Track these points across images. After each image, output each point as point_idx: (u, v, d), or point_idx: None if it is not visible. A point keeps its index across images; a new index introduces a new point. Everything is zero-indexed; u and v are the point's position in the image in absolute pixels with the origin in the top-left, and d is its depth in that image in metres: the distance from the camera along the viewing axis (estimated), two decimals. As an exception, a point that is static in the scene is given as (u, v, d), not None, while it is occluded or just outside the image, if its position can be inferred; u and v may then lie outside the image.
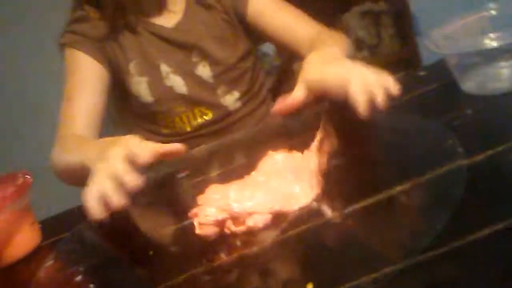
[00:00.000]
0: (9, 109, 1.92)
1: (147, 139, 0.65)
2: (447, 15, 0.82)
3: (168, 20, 1.05)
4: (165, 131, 1.09)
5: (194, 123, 1.08)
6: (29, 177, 0.85)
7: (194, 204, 0.68)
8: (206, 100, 1.07)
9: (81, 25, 1.01)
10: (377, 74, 0.64)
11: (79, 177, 0.68)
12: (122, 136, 0.65)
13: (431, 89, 0.83)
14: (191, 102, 1.07)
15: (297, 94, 0.68)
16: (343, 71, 0.66)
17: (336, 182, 0.65)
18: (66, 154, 0.84)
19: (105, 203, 0.58)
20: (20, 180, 0.85)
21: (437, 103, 0.79)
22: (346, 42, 0.94)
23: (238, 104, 1.10)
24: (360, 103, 0.61)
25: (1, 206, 0.79)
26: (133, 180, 0.58)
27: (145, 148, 0.62)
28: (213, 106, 1.08)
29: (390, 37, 2.24)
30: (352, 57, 0.84)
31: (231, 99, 1.09)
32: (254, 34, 1.09)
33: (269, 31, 1.05)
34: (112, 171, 0.59)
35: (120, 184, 0.58)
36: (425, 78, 0.90)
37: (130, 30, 1.03)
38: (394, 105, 0.64)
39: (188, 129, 1.08)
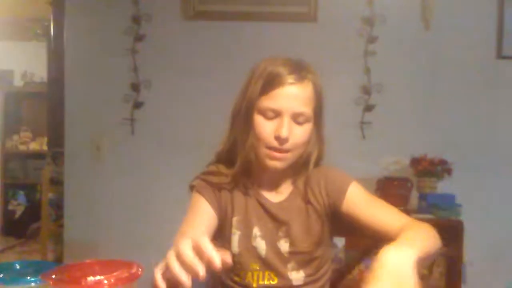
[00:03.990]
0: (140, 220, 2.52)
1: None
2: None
3: (274, 196, 1.31)
4: (236, 278, 1.29)
5: (261, 283, 1.27)
6: (141, 269, 1.06)
7: None
8: (277, 268, 1.28)
9: (211, 177, 1.31)
10: None
11: None
12: None
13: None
14: (265, 265, 1.28)
15: None
16: None
17: None
18: None
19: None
20: (134, 269, 1.05)
21: None
22: (433, 233, 1.07)
23: (301, 281, 1.29)
24: None
25: (113, 284, 1.00)
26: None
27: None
28: (281, 275, 1.28)
29: (440, 275, 2.43)
30: (437, 250, 0.98)
31: (297, 276, 1.28)
32: (343, 224, 1.28)
33: (362, 220, 1.21)
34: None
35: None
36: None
37: (244, 192, 1.31)
38: None
39: (255, 285, 1.28)
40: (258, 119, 1.22)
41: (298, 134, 1.22)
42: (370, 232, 1.22)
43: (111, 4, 2.70)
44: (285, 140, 1.20)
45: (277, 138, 1.20)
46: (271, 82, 1.20)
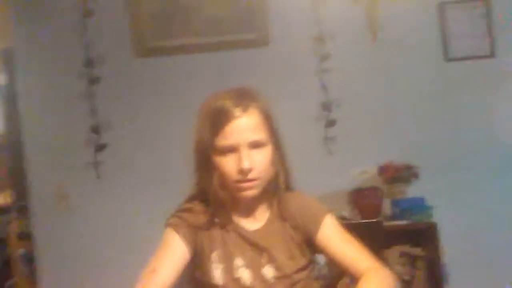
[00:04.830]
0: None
1: None
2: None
3: (251, 224, 1.31)
4: (223, 310, 1.29)
5: (249, 311, 1.28)
6: None
7: None
8: None
9: (185, 214, 1.30)
10: None
11: None
12: None
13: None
14: None
15: None
16: None
17: None
18: None
19: None
20: None
21: None
22: (394, 281, 1.15)
23: (290, 304, 1.30)
24: None
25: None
26: None
27: None
28: (269, 302, 1.28)
29: (422, 279, 2.46)
30: None
31: None
32: (316, 249, 1.30)
33: (332, 254, 1.27)
34: None
35: None
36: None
37: (221, 226, 1.30)
38: None
39: (243, 315, 1.28)
40: (218, 159, 1.24)
41: (260, 159, 1.24)
42: (337, 265, 1.30)
43: (63, 49, 2.68)
44: (249, 170, 1.21)
45: (240, 171, 1.22)
46: (218, 121, 1.22)
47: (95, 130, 2.66)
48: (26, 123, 2.70)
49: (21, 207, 2.97)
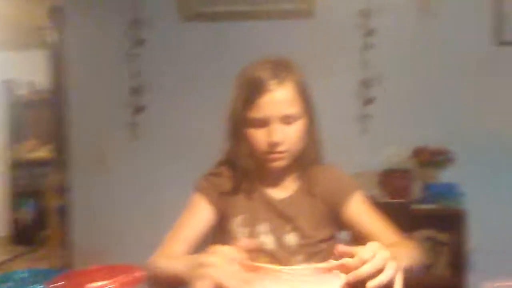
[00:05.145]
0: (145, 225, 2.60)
1: None
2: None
3: (279, 193, 1.33)
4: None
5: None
6: (143, 273, 1.10)
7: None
8: (285, 261, 1.29)
9: (214, 178, 1.34)
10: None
11: (170, 282, 0.96)
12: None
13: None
14: (274, 258, 1.29)
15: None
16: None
17: None
18: (163, 264, 1.12)
19: None
20: (136, 273, 1.09)
21: None
22: (419, 251, 1.13)
23: (309, 273, 1.32)
24: None
25: (120, 288, 1.04)
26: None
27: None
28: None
29: (444, 265, 2.45)
30: (419, 264, 1.05)
31: None
32: (342, 225, 1.32)
33: (358, 228, 1.27)
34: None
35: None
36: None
37: (248, 191, 1.33)
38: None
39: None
40: (249, 131, 1.25)
41: (291, 134, 1.25)
42: (362, 241, 1.27)
43: (110, 10, 2.73)
44: (278, 144, 1.23)
45: (270, 144, 1.23)
46: (252, 93, 1.22)
47: (136, 91, 2.72)
48: (71, 80, 2.77)
49: (60, 161, 3.08)
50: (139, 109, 2.72)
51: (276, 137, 1.22)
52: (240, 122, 1.26)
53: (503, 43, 2.62)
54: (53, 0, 3.02)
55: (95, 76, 2.75)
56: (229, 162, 1.35)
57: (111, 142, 2.73)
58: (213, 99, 2.58)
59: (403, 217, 2.24)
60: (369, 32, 2.65)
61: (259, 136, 1.24)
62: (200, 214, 1.31)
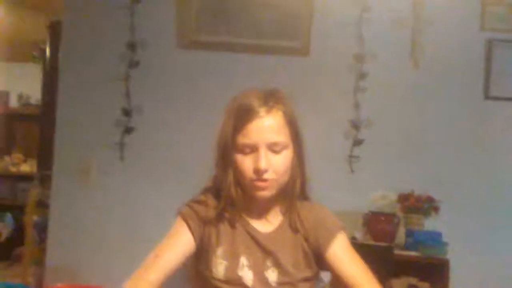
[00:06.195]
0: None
1: None
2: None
3: (262, 226, 1.31)
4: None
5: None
6: None
7: None
8: None
9: (197, 206, 1.32)
10: None
11: None
12: None
13: None
14: None
15: None
16: None
17: None
18: None
19: None
20: None
21: None
22: None
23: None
24: None
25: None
26: None
27: None
28: (268, 305, 1.27)
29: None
30: None
31: None
32: (323, 265, 1.30)
33: (338, 271, 1.27)
34: None
35: None
36: None
37: (231, 222, 1.31)
38: None
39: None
40: (237, 157, 1.26)
41: (277, 162, 1.24)
42: (341, 284, 1.28)
43: (108, 29, 2.74)
44: (264, 171, 1.23)
45: (256, 171, 1.23)
46: (241, 118, 1.24)
47: (126, 112, 2.70)
48: (62, 96, 2.75)
49: (44, 176, 3.03)
50: (128, 130, 2.70)
51: (262, 164, 1.22)
52: (229, 148, 1.26)
53: (490, 97, 2.69)
54: (51, 15, 3.03)
55: (87, 93, 2.74)
56: (215, 190, 1.33)
57: (96, 159, 2.70)
58: (202, 125, 2.57)
59: (386, 262, 2.23)
60: (362, 76, 2.68)
61: (247, 163, 1.24)
62: (181, 241, 1.29)
